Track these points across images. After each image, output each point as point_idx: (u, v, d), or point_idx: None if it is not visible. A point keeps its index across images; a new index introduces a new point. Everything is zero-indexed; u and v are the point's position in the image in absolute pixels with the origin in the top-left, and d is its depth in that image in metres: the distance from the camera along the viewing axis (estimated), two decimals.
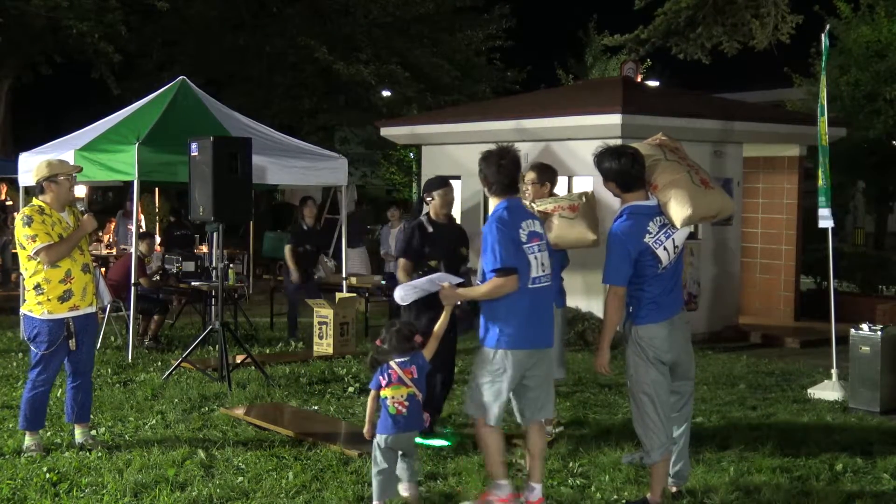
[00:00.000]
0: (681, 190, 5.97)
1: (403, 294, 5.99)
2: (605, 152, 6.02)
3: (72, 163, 10.86)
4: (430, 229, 7.58)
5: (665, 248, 5.89)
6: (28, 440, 7.11)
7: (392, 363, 5.72)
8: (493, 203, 5.92)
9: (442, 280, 5.95)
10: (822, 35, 10.04)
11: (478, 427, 5.83)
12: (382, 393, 5.71)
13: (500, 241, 5.65)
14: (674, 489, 6.14)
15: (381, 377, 5.73)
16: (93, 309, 7.12)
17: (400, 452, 5.84)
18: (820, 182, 9.94)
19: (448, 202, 7.66)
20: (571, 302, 12.61)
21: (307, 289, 12.33)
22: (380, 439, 5.76)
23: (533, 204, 7.31)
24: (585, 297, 12.69)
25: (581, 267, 12.26)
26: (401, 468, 5.88)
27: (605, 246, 5.92)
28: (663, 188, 6.00)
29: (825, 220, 9.92)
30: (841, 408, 8.99)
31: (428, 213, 7.65)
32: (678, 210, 5.93)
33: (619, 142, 11.96)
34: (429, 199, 7.65)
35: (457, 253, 7.64)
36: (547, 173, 7.76)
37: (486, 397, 5.75)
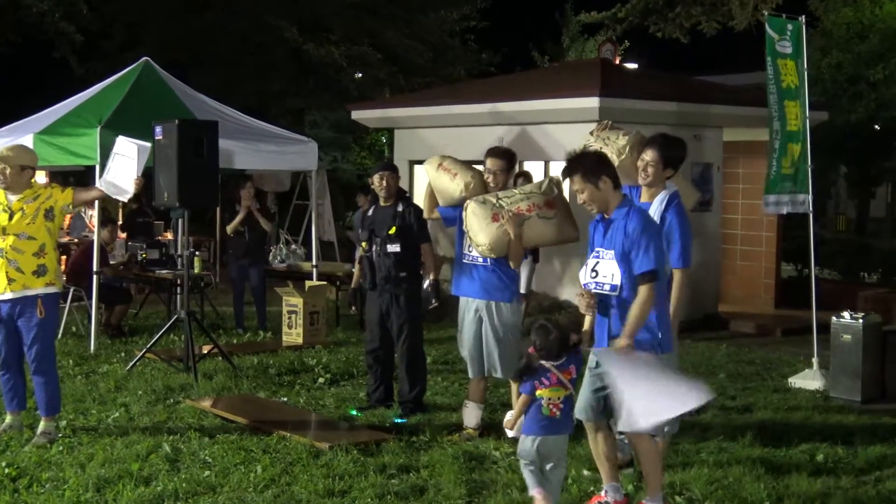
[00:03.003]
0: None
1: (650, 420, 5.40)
2: (673, 141, 6.32)
3: (31, 147, 10.84)
4: (371, 212, 8.21)
5: None
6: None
7: (550, 367, 5.49)
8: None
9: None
10: (766, 25, 10.15)
11: (640, 441, 5.62)
12: (539, 393, 5.48)
13: (655, 236, 5.50)
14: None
15: (536, 382, 5.48)
16: (9, 294, 7.06)
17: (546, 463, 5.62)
18: (786, 169, 10.03)
19: (382, 186, 8.05)
20: (546, 289, 12.70)
21: (247, 274, 12.29)
22: (528, 440, 5.55)
23: (500, 201, 7.08)
24: (560, 284, 12.72)
25: (557, 253, 12.33)
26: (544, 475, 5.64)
27: (669, 229, 6.12)
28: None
29: (771, 206, 10.12)
30: (822, 397, 9.06)
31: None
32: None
33: (594, 126, 12.01)
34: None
35: (379, 234, 8.03)
36: (511, 158, 7.55)
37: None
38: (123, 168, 7.55)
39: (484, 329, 7.30)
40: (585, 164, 5.62)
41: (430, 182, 7.72)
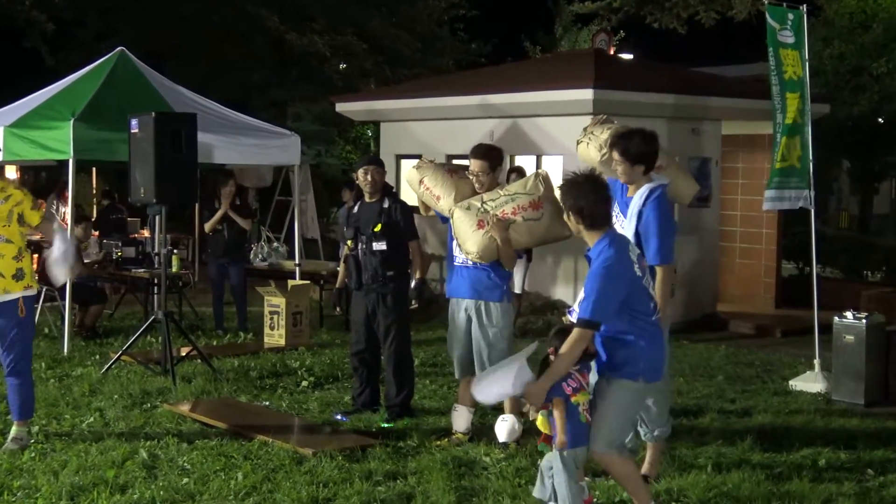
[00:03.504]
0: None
1: (484, 395, 5.72)
2: (638, 136, 6.27)
3: (1, 141, 10.81)
4: (356, 209, 8.19)
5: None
6: None
7: (573, 370, 5.48)
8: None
9: (521, 378, 5.45)
10: (766, 14, 10.19)
11: (612, 464, 5.61)
12: (575, 399, 5.47)
13: (606, 286, 5.34)
14: None
15: (565, 384, 5.46)
16: None
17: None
18: (778, 163, 10.06)
19: (367, 181, 8.04)
20: (539, 289, 12.71)
21: (226, 273, 12.26)
22: (571, 454, 5.50)
23: (485, 205, 7.09)
24: (553, 283, 12.74)
25: (550, 251, 12.34)
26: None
27: (645, 224, 6.18)
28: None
29: (770, 202, 10.14)
30: (824, 400, 9.08)
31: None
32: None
33: (590, 118, 12.00)
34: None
35: (365, 232, 8.02)
36: (495, 157, 7.49)
37: (625, 431, 5.73)
38: (62, 258, 7.38)
39: (473, 330, 7.31)
40: (562, 191, 5.60)
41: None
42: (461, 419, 7.48)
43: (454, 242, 7.33)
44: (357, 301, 8.20)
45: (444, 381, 9.35)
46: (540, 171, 7.36)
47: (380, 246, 7.93)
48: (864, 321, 9.08)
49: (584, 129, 7.07)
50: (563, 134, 12.34)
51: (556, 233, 7.15)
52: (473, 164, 7.36)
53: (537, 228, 7.07)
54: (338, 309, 9.36)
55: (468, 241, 7.04)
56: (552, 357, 5.47)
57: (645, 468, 6.42)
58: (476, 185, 7.35)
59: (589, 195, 5.46)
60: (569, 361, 5.37)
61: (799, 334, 12.05)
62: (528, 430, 7.19)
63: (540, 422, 5.55)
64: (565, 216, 5.60)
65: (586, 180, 5.58)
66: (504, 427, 7.14)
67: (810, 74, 10.34)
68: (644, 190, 6.27)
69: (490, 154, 7.45)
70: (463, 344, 7.39)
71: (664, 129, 11.99)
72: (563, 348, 5.37)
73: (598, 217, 5.48)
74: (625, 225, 6.28)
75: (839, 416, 8.48)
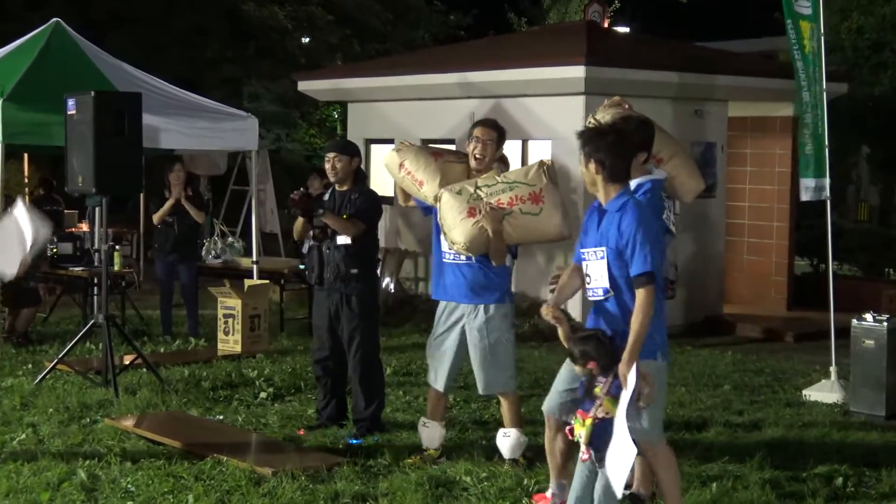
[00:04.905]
0: (686, 162, 6.75)
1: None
2: (637, 120, 6.48)
3: None
4: (326, 197, 8.19)
5: (673, 224, 6.67)
6: None
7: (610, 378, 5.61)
8: (612, 191, 5.70)
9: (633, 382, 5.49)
10: None
11: (659, 453, 5.74)
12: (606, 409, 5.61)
13: (652, 228, 5.60)
14: None
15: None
16: None
17: None
18: (807, 149, 10.09)
19: (329, 170, 8.06)
20: (526, 288, 12.73)
21: (175, 272, 12.23)
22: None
23: (479, 191, 7.02)
24: (544, 282, 12.75)
25: (539, 246, 12.35)
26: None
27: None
28: (668, 160, 6.65)
29: (809, 191, 10.12)
30: (841, 412, 9.13)
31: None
32: (691, 183, 6.75)
33: (582, 98, 12.04)
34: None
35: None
36: (502, 134, 7.48)
37: (660, 415, 5.83)
38: (10, 242, 7.06)
39: (470, 338, 7.22)
40: (583, 138, 5.76)
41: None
42: (433, 435, 7.45)
43: (441, 234, 7.26)
44: (319, 302, 8.19)
45: (418, 391, 9.35)
46: (545, 160, 7.23)
47: (343, 240, 7.91)
48: (885, 324, 9.10)
49: (592, 115, 7.13)
50: (552, 116, 12.37)
51: (552, 233, 7.09)
52: (480, 131, 7.29)
53: (533, 225, 6.98)
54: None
55: (455, 230, 6.97)
56: (594, 371, 5.54)
57: (635, 485, 6.42)
58: (475, 156, 7.23)
59: (615, 149, 5.69)
60: (648, 323, 5.48)
61: (813, 339, 12.12)
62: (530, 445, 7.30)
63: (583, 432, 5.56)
64: (581, 164, 5.71)
65: (612, 133, 5.82)
66: (507, 442, 7.17)
67: (826, 51, 10.37)
68: (633, 184, 6.23)
69: (499, 128, 7.45)
70: (451, 353, 7.31)
71: (665, 110, 12.02)
72: (638, 312, 5.47)
73: (619, 171, 5.69)
74: None
75: (858, 429, 8.52)
